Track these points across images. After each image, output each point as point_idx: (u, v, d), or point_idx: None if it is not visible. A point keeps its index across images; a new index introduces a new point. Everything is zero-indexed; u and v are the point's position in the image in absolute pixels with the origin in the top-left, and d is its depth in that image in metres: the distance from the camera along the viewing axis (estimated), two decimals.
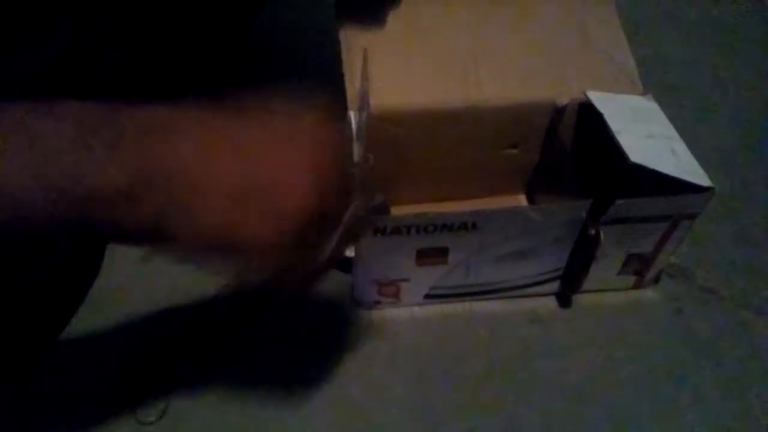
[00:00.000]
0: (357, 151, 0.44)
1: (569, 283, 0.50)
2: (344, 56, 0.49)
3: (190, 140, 0.28)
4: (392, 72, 0.50)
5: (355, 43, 0.50)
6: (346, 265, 0.51)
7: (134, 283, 0.51)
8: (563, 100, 0.50)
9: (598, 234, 0.45)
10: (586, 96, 0.50)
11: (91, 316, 0.48)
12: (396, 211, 0.51)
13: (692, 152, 0.46)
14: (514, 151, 0.55)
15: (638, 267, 0.50)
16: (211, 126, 0.29)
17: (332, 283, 0.52)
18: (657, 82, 0.54)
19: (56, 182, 0.25)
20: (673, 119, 0.49)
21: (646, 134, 0.47)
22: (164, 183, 0.27)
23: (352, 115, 0.47)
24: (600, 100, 0.49)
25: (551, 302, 0.52)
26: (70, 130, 0.26)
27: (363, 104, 0.46)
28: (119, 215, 0.26)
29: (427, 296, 0.50)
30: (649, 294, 0.53)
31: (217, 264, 0.31)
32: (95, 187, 0.25)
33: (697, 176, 0.44)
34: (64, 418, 0.43)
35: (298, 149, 0.30)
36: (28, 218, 0.25)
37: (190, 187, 0.28)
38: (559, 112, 0.51)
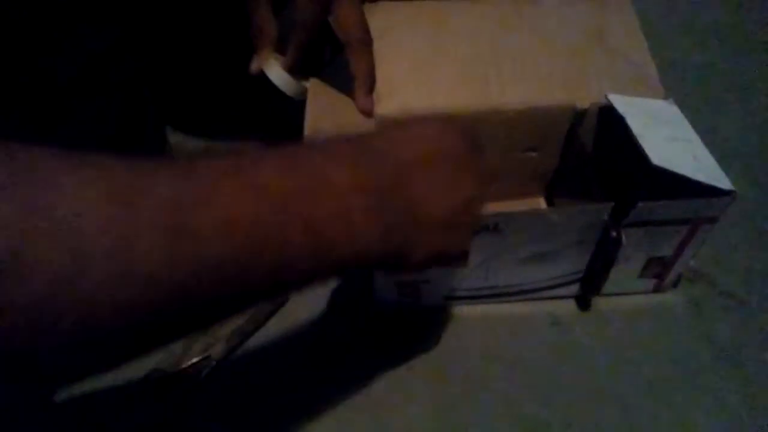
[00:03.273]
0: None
1: (589, 286, 0.50)
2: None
3: (388, 166, 0.29)
4: (413, 76, 0.50)
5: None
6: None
7: None
8: (584, 103, 0.51)
9: (619, 237, 0.45)
10: (607, 99, 0.50)
11: None
12: None
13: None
14: (534, 154, 0.55)
15: (658, 270, 0.50)
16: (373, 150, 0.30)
17: (353, 283, 0.53)
18: (673, 86, 0.54)
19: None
20: (690, 123, 0.49)
21: (668, 137, 0.47)
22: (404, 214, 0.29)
23: None
24: (621, 103, 0.49)
25: (571, 305, 0.52)
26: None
27: None
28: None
29: (447, 297, 0.51)
30: (668, 298, 0.53)
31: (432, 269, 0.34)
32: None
33: (719, 180, 0.44)
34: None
35: (454, 149, 0.32)
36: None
37: (421, 212, 0.30)
38: (579, 115, 0.51)
